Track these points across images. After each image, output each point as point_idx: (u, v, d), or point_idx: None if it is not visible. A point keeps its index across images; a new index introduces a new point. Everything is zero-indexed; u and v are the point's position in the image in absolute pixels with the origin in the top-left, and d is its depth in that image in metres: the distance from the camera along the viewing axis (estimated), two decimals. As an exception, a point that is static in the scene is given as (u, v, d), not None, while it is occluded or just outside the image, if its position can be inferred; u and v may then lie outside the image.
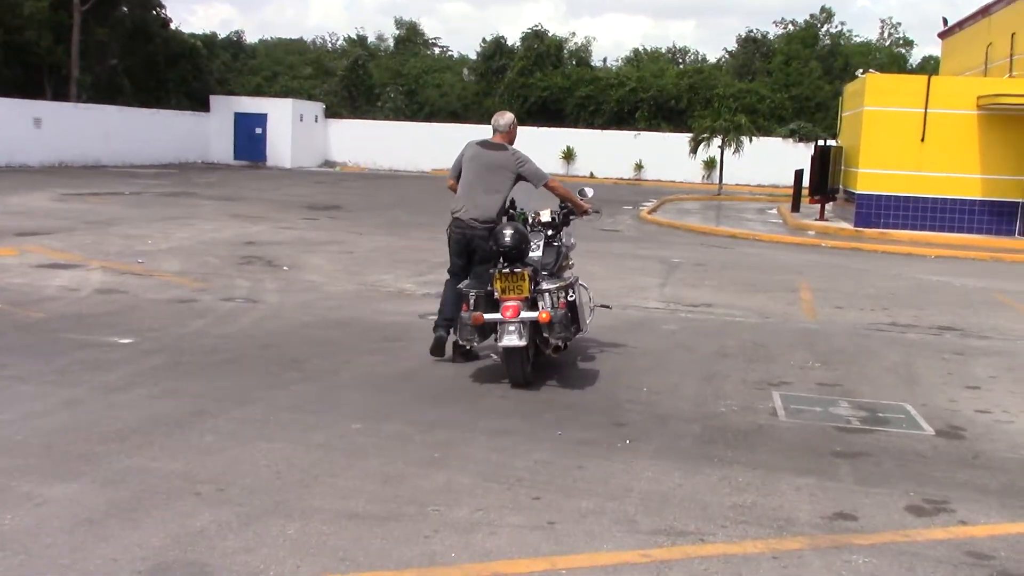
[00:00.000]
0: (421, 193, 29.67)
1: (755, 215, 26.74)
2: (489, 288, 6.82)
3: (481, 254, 7.34)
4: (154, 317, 8.78)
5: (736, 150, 35.48)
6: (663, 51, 59.77)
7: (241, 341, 7.95)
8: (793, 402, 6.78)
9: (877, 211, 21.99)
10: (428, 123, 47.49)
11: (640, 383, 7.13)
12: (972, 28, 26.88)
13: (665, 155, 43.11)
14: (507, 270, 6.72)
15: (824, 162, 24.41)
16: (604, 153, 44.08)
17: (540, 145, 44.54)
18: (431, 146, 44.97)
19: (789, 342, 9.03)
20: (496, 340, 6.75)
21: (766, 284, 13.03)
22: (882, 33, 56.56)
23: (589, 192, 8.25)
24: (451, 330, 7.27)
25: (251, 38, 61.53)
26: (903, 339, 9.49)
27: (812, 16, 52.49)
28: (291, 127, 44.04)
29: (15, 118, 33.05)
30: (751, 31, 57.18)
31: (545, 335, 6.75)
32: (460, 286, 7.15)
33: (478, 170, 7.61)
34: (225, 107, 44.77)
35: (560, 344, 7.04)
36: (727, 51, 57.38)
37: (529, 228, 7.53)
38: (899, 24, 56.20)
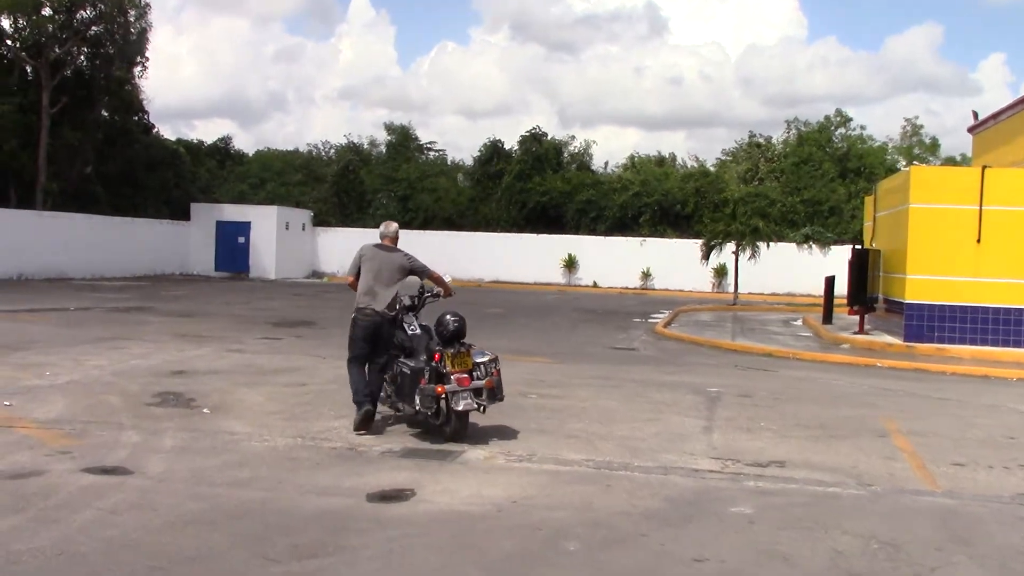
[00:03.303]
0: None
1: (782, 328, 23.73)
2: (432, 363, 8.11)
3: (385, 338, 8.79)
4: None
5: (752, 256, 32.70)
6: (656, 157, 57.41)
7: (42, 568, 4.79)
8: None
9: (930, 323, 18.95)
10: (421, 231, 44.89)
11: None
12: (1012, 119, 24.33)
13: (672, 262, 40.45)
14: (463, 349, 8.25)
15: (862, 268, 21.48)
16: (607, 261, 41.37)
17: (539, 253, 42.13)
18: (425, 255, 41.37)
19: (929, 536, 5.89)
20: (451, 405, 8.02)
21: (840, 424, 9.90)
22: (905, 132, 54.52)
23: (449, 278, 9.87)
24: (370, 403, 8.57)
25: (247, 150, 59.18)
26: (1091, 525, 6.35)
27: (827, 118, 50.48)
28: (276, 236, 41.35)
29: (-32, 228, 30.35)
30: (754, 135, 55.20)
31: (480, 400, 8.17)
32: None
33: (378, 268, 8.87)
34: (206, 215, 42.17)
35: (487, 405, 8.28)
36: (730, 152, 55.07)
37: (398, 312, 9.02)
38: (921, 126, 54.02)
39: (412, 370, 8.34)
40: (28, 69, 37.39)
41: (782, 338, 20.61)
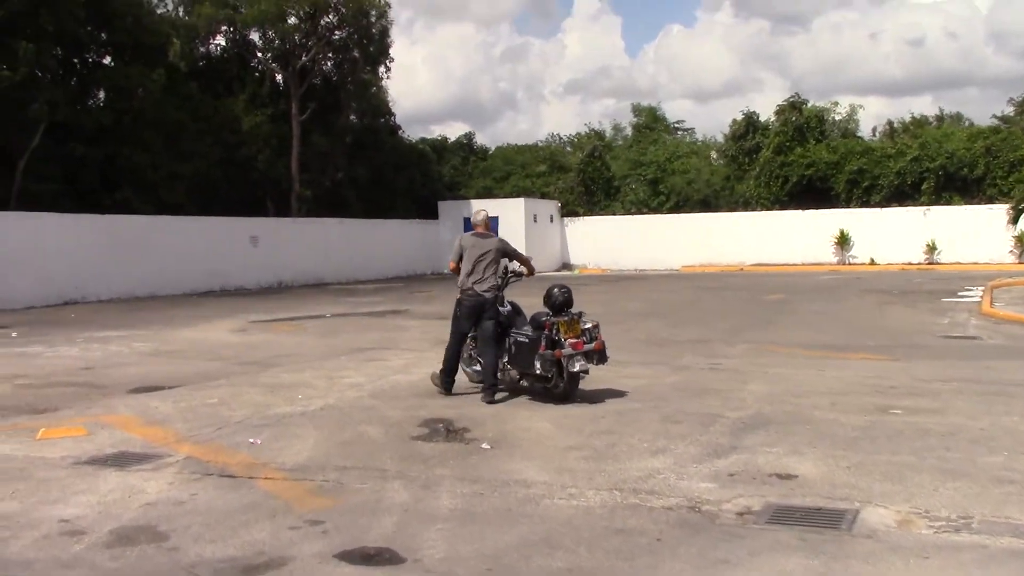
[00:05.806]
0: (677, 296, 24.27)
1: None
2: (546, 333, 8.97)
3: (488, 315, 9.65)
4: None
5: (1067, 218, 27.91)
6: (924, 119, 51.36)
7: None
8: None
9: None
10: (675, 214, 42.22)
11: None
12: None
13: (962, 233, 35.71)
14: (576, 317, 9.18)
15: None
16: (884, 235, 37.08)
17: (807, 231, 38.30)
18: (680, 240, 39.71)
19: None
20: (567, 367, 8.90)
21: None
22: None
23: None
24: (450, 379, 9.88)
25: (487, 146, 58.49)
26: None
27: None
28: (524, 229, 39.91)
29: (230, 238, 30.65)
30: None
31: (591, 362, 9.15)
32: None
33: (480, 254, 9.66)
34: (455, 212, 41.45)
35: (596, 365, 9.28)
36: (1016, 103, 48.39)
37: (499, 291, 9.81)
38: None
39: (530, 339, 9.18)
40: (279, 79, 37.88)
41: None
